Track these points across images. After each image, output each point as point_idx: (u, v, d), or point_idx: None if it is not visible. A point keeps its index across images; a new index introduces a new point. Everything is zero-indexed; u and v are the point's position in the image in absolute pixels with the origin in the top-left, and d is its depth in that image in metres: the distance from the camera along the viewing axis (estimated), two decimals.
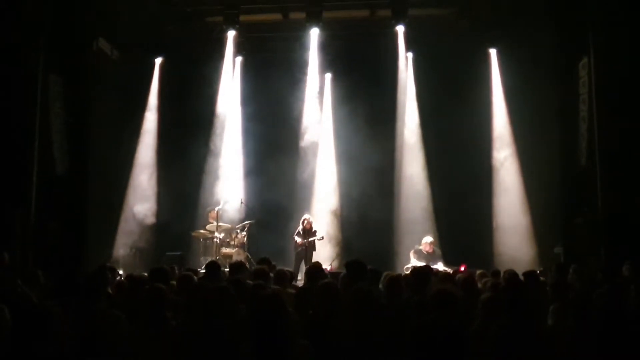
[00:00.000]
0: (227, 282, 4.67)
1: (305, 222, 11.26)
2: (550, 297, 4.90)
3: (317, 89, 13.19)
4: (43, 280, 5.38)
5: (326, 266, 9.55)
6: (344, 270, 6.58)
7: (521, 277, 5.87)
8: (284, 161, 12.63)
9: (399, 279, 5.12)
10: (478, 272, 6.80)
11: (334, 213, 12.75)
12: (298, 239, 11.15)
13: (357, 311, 3.91)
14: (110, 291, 5.41)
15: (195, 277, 5.49)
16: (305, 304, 4.71)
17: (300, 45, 12.84)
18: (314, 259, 10.48)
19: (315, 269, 6.05)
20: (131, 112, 13.00)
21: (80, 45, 10.65)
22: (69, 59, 10.28)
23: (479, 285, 5.69)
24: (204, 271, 6.65)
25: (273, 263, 7.65)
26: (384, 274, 5.42)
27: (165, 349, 3.59)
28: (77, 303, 3.88)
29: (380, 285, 5.19)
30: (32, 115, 9.37)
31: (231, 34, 12.81)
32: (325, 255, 11.48)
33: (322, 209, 12.68)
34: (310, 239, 11.16)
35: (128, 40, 12.70)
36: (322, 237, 11.36)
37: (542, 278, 6.34)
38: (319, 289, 4.26)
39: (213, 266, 5.94)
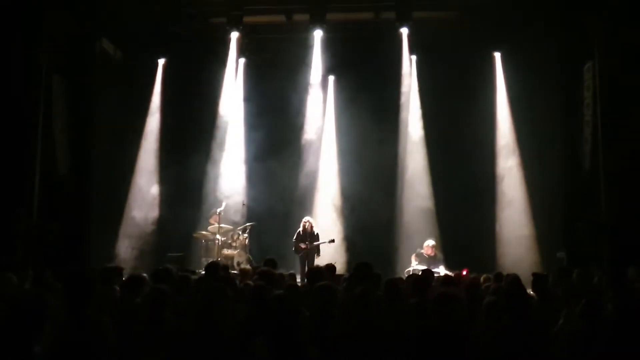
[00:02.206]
0: (223, 281, 4.64)
1: (307, 224, 11.19)
2: (562, 300, 4.88)
3: (320, 90, 13.17)
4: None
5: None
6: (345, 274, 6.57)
7: (529, 279, 5.84)
8: (287, 162, 12.62)
9: (397, 282, 5.10)
10: (483, 276, 6.76)
11: (337, 214, 12.69)
12: (301, 244, 11.04)
13: (355, 314, 3.89)
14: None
15: (193, 278, 5.48)
16: (305, 306, 4.69)
17: (303, 47, 12.81)
18: (320, 262, 10.39)
19: (315, 272, 6.02)
20: (134, 113, 12.99)
21: (83, 45, 10.66)
22: (72, 60, 10.30)
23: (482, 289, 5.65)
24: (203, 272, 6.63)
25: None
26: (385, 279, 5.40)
27: (165, 350, 3.56)
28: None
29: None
30: (35, 116, 9.39)
31: (235, 35, 12.80)
32: (327, 258, 11.31)
33: (325, 210, 12.63)
34: (314, 243, 11.04)
35: (131, 41, 12.69)
36: (333, 240, 11.25)
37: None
38: (315, 291, 4.23)
39: (212, 267, 5.92)
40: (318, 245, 11.06)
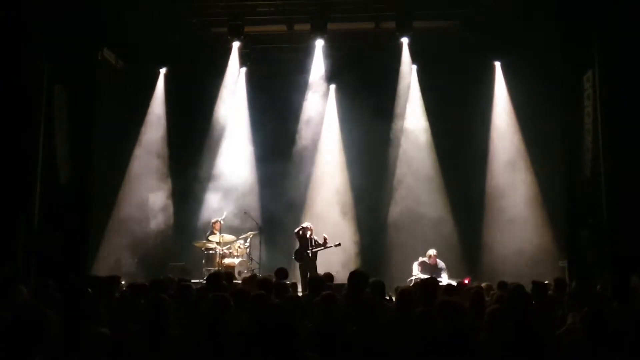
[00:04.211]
0: (230, 292, 4.63)
1: (308, 230, 11.13)
2: (566, 307, 4.87)
3: (321, 99, 13.21)
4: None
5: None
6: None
7: (529, 287, 5.83)
8: (288, 170, 12.64)
9: (410, 291, 5.07)
10: (484, 284, 6.74)
11: (339, 220, 12.64)
12: (305, 251, 10.97)
13: (358, 322, 3.86)
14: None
15: (194, 287, 5.47)
16: (307, 315, 4.67)
17: (304, 56, 12.88)
18: (321, 269, 10.35)
19: (316, 281, 5.99)
20: (135, 122, 13.01)
21: (85, 55, 10.68)
22: (73, 69, 10.31)
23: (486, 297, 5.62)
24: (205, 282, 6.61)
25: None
26: (396, 286, 5.38)
27: (166, 358, 3.54)
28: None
29: (392, 297, 5.15)
30: (37, 125, 9.39)
31: (236, 45, 12.87)
32: (335, 264, 11.19)
33: (325, 217, 12.58)
34: (319, 249, 10.98)
35: (133, 50, 12.75)
36: (339, 244, 11.13)
37: (549, 292, 6.28)
38: (319, 301, 4.22)
39: (214, 277, 5.90)
40: (317, 252, 11.00)
